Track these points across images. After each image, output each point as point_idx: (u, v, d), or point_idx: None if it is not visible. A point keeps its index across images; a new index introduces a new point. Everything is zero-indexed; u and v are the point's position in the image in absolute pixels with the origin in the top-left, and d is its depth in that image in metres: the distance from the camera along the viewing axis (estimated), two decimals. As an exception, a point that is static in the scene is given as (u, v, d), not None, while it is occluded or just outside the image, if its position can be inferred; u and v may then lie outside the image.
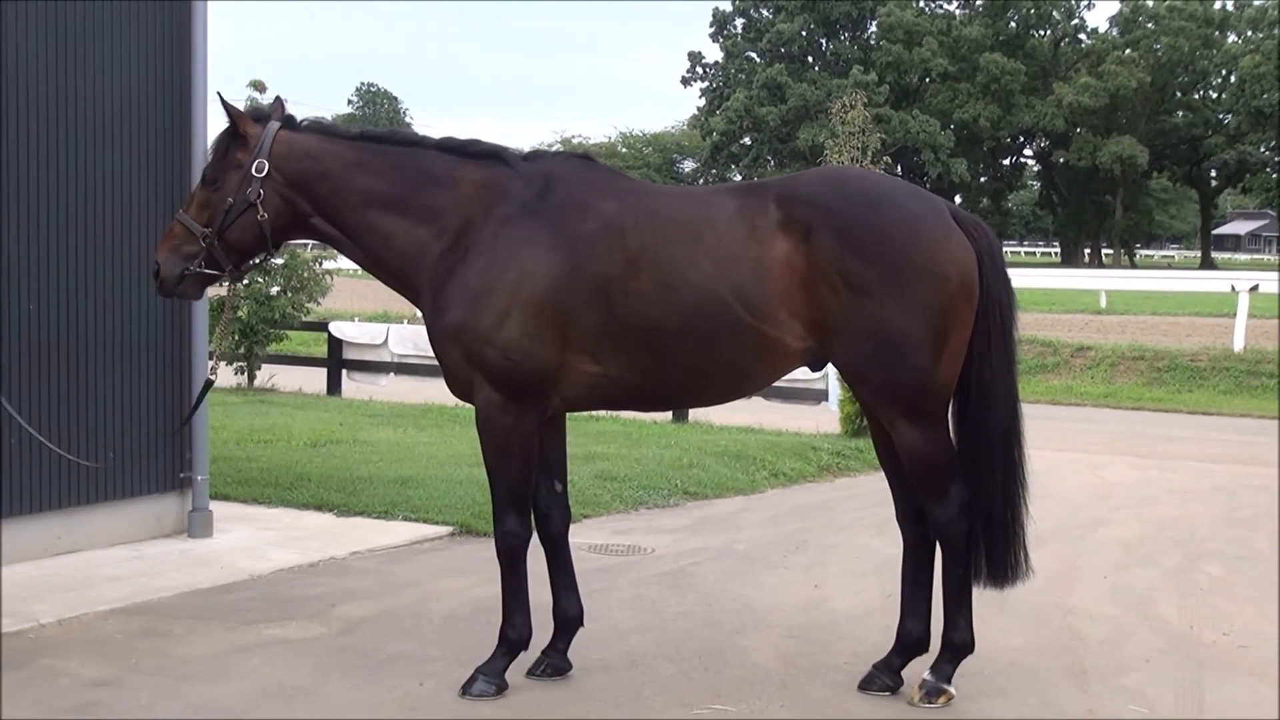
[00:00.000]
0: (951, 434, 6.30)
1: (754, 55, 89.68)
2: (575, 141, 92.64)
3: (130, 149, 9.29)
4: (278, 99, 6.68)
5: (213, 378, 7.08)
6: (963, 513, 6.22)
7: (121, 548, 9.22)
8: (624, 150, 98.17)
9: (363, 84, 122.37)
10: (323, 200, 6.42)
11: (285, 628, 7.46)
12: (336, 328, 20.18)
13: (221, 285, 6.70)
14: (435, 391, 18.41)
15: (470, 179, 6.35)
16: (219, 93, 6.52)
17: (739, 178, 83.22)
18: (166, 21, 9.48)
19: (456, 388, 6.38)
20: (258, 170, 6.34)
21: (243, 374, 20.02)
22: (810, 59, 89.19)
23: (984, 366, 6.24)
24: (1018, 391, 6.40)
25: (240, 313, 19.02)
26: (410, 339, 19.12)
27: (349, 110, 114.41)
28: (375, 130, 6.64)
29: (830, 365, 6.46)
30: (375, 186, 6.39)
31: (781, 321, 6.04)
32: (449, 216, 6.31)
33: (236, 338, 19.32)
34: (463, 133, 6.61)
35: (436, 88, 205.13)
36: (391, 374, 19.66)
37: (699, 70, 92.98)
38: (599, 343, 6.12)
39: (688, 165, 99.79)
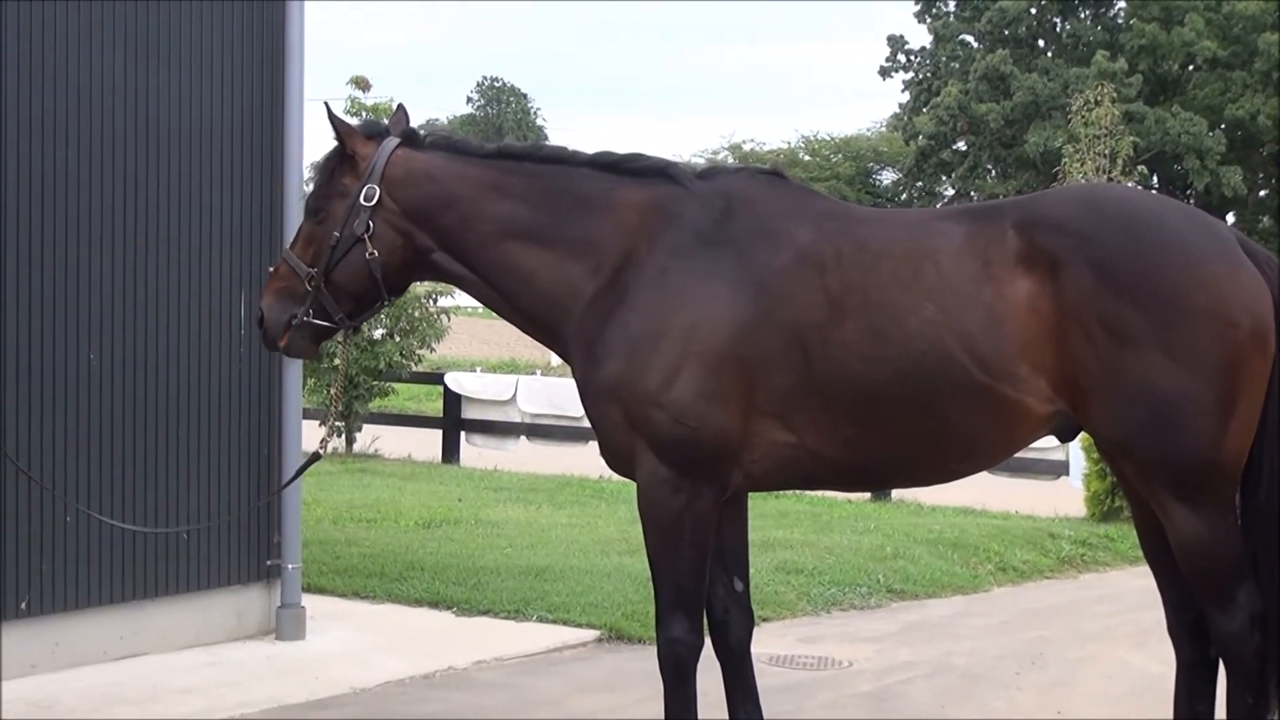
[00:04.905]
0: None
1: (970, 39, 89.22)
2: (746, 148, 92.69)
3: (212, 172, 9.48)
4: (400, 108, 6.74)
5: (322, 451, 7.18)
6: (1254, 624, 6.07)
7: (195, 651, 9.39)
8: (807, 158, 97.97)
9: (484, 79, 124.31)
10: (447, 232, 6.47)
11: (396, 755, 7.54)
12: (454, 380, 20.46)
13: (338, 340, 6.76)
14: (575, 460, 18.57)
15: (632, 201, 6.36)
16: (326, 103, 6.58)
17: (951, 191, 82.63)
18: (257, 21, 9.67)
19: (613, 459, 6.39)
20: (366, 198, 6.40)
21: (340, 436, 20.19)
22: (1042, 43, 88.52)
23: (1276, 440, 6.11)
24: None
25: (337, 361, 19.25)
26: (544, 394, 19.29)
27: (468, 110, 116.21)
28: (514, 146, 6.68)
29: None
30: (514, 214, 6.42)
31: (1022, 379, 5.97)
32: (606, 249, 6.31)
33: (330, 391, 19.57)
34: (606, 136, 6.77)
35: (571, 84, 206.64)
36: (522, 437, 19.82)
37: (901, 59, 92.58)
38: (792, 406, 6.09)
39: (887, 176, 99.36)
